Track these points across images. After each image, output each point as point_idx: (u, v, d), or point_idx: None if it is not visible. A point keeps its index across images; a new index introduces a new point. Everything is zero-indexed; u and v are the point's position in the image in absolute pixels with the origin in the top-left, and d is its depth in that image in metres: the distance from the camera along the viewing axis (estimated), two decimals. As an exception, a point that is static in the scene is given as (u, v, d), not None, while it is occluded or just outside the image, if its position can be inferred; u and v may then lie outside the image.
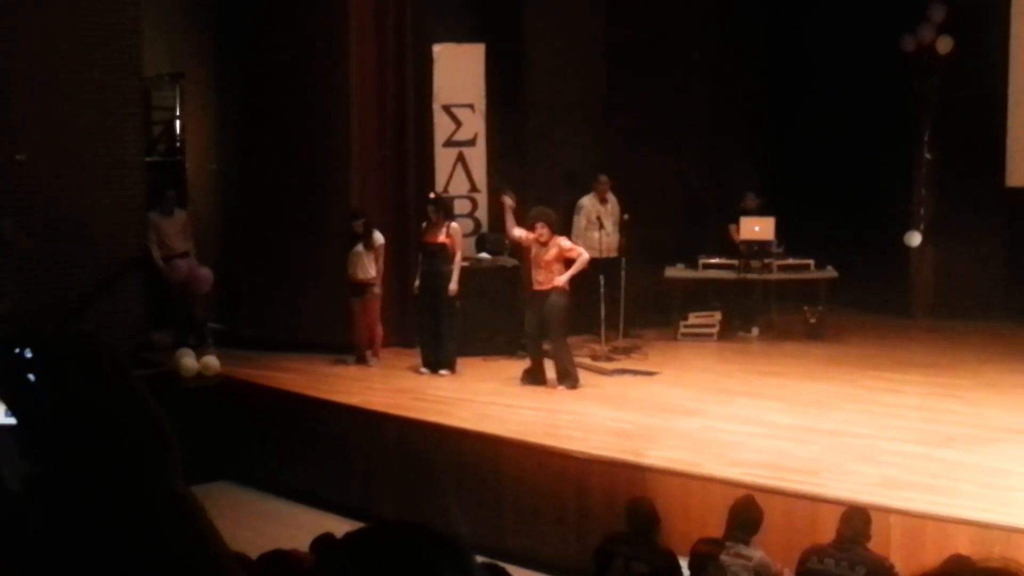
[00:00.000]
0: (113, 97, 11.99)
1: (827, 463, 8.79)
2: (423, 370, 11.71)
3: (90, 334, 1.36)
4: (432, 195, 12.15)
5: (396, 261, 12.23)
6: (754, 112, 15.26)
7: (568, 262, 11.04)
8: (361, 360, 12.06)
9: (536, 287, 11.10)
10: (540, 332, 11.22)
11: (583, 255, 11.09)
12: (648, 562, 6.72)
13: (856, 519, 6.68)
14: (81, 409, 1.32)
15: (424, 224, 11.85)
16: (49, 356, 1.33)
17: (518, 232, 11.32)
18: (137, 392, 1.36)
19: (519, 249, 11.87)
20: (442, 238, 11.72)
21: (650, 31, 14.22)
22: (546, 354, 11.36)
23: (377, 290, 11.90)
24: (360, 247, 11.79)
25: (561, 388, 11.01)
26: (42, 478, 1.32)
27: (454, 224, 11.89)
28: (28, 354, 1.33)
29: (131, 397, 1.35)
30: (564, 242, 11.16)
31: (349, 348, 12.10)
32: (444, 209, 11.89)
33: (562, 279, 10.98)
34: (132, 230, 12.28)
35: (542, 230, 11.00)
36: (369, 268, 11.85)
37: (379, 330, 12.04)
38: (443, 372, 11.65)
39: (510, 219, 11.49)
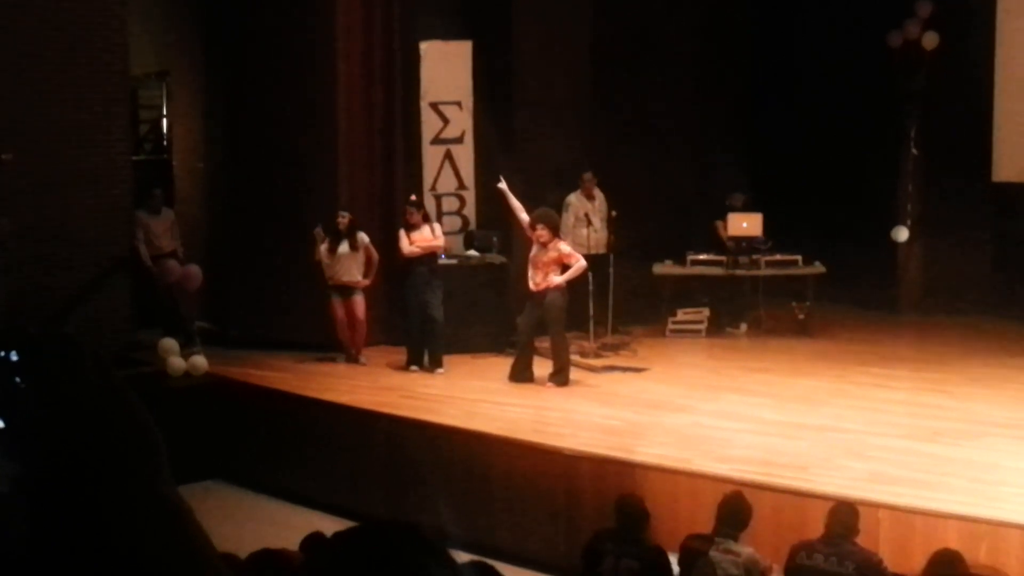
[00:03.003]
0: (100, 96, 11.94)
1: (815, 458, 8.81)
2: (412, 368, 11.70)
3: (73, 337, 1.36)
4: (413, 197, 12.14)
5: (382, 259, 12.20)
6: (741, 108, 15.27)
7: (565, 266, 11.02)
8: (351, 359, 12.05)
9: (533, 287, 11.05)
10: (534, 330, 11.20)
11: (580, 262, 11.05)
12: (637, 558, 6.73)
13: (845, 514, 6.69)
14: (66, 411, 1.31)
15: (405, 225, 11.81)
16: (34, 358, 1.32)
17: (526, 216, 11.21)
18: (122, 395, 1.36)
19: (518, 247, 11.81)
20: (430, 237, 11.73)
21: (637, 28, 14.22)
22: (537, 352, 11.35)
23: (362, 291, 11.88)
24: (345, 248, 11.76)
25: (550, 385, 11.01)
26: (28, 480, 1.32)
27: (436, 224, 11.94)
28: (13, 356, 1.32)
29: (116, 399, 1.35)
30: (564, 247, 11.11)
31: (337, 347, 12.09)
32: (424, 209, 11.97)
33: (558, 279, 10.96)
34: (119, 229, 12.23)
35: (543, 231, 10.95)
36: (355, 270, 11.83)
37: (364, 329, 12.03)
38: (440, 371, 11.62)
39: (515, 203, 11.36)
